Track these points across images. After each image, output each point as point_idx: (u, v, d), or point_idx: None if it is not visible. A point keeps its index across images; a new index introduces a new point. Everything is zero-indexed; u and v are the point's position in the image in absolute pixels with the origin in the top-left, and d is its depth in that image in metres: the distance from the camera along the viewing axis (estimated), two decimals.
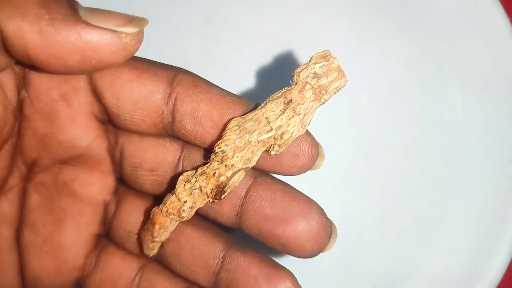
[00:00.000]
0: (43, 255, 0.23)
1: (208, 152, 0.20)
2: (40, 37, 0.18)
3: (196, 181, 0.20)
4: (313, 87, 0.18)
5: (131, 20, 0.19)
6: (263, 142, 0.19)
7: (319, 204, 0.21)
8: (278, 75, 0.33)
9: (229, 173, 0.19)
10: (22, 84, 0.21)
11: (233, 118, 0.19)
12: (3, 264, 0.23)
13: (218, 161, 0.19)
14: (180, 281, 0.22)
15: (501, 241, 0.31)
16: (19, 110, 0.22)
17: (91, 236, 0.23)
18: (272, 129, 0.19)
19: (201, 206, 0.20)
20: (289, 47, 0.34)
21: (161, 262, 0.23)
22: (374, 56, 0.34)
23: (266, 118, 0.19)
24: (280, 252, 0.21)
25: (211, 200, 0.20)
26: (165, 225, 0.20)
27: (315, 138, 0.20)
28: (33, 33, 0.18)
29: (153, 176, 0.22)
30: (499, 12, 0.32)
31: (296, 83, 0.19)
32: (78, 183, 0.23)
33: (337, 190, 0.33)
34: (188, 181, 0.20)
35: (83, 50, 0.18)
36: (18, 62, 0.20)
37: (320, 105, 0.19)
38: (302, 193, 0.21)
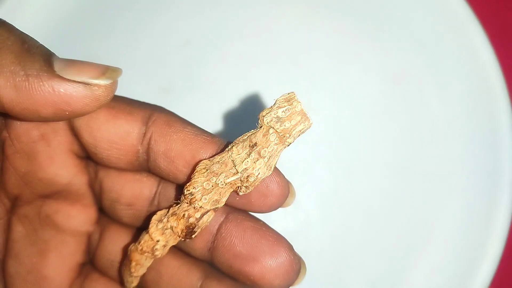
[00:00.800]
0: (27, 285, 0.23)
1: (181, 188, 0.21)
2: (15, 92, 0.18)
3: (167, 221, 0.20)
4: (276, 131, 0.19)
5: (105, 71, 0.19)
6: (230, 184, 0.20)
7: (288, 240, 0.21)
8: (260, 94, 0.34)
9: (198, 215, 0.20)
10: (3, 125, 0.22)
11: (202, 160, 0.20)
12: None
13: (187, 203, 0.20)
14: None
15: (485, 255, 0.32)
16: (1, 149, 0.22)
17: (75, 265, 0.24)
18: (237, 172, 0.19)
19: (174, 244, 0.21)
20: (270, 66, 0.34)
21: None
22: (354, 73, 0.34)
23: (232, 161, 0.19)
24: None
25: (183, 240, 0.21)
26: (141, 261, 0.21)
27: (285, 177, 0.21)
28: (7, 88, 0.18)
29: (130, 210, 0.23)
30: (476, 26, 0.33)
31: (261, 127, 0.19)
32: (61, 216, 0.24)
33: (319, 208, 0.34)
34: (160, 220, 0.20)
35: (57, 103, 0.19)
36: None
37: (285, 147, 0.19)
38: (272, 230, 0.21)
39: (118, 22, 0.35)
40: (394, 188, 0.34)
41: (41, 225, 0.24)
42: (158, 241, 0.21)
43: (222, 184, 0.19)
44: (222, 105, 0.34)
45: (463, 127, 0.34)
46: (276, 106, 0.19)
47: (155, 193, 0.23)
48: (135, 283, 0.22)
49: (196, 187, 0.20)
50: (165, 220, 0.20)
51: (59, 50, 0.32)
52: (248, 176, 0.19)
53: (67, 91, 0.19)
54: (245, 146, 0.19)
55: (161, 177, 0.22)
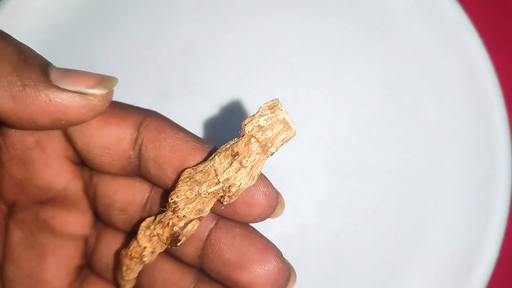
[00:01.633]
0: None
1: (168, 195, 0.21)
2: (12, 102, 0.19)
3: (154, 228, 0.20)
4: (258, 140, 0.18)
5: (101, 81, 0.20)
6: (213, 193, 0.19)
7: (278, 248, 0.21)
8: (257, 100, 0.34)
9: (181, 224, 0.20)
10: None
11: (186, 169, 0.20)
12: None
13: (171, 212, 0.20)
14: None
15: (481, 259, 0.32)
16: None
17: (73, 268, 0.25)
18: (219, 182, 0.19)
19: (161, 251, 0.21)
20: (268, 72, 0.35)
21: None
22: (351, 78, 0.35)
23: (215, 170, 0.19)
24: None
25: (169, 247, 0.21)
26: (131, 266, 0.21)
27: (273, 187, 0.20)
28: (5, 98, 0.19)
29: (123, 216, 0.23)
30: (471, 33, 0.33)
31: (243, 135, 0.19)
32: (57, 221, 0.24)
33: (316, 212, 0.34)
34: (148, 227, 0.21)
35: (53, 112, 0.19)
36: None
37: (267, 157, 0.19)
38: (262, 236, 0.21)
39: (117, 28, 0.35)
40: (391, 192, 0.34)
41: (38, 230, 0.24)
42: (145, 247, 0.21)
43: (205, 194, 0.19)
44: (220, 111, 0.34)
45: (458, 132, 0.34)
46: (258, 114, 0.18)
47: (148, 199, 0.23)
48: (128, 286, 0.23)
49: (179, 196, 0.20)
50: (152, 227, 0.21)
51: (58, 56, 0.33)
52: (229, 186, 0.19)
53: (63, 101, 0.19)
54: (227, 156, 0.19)
55: (152, 183, 0.22)
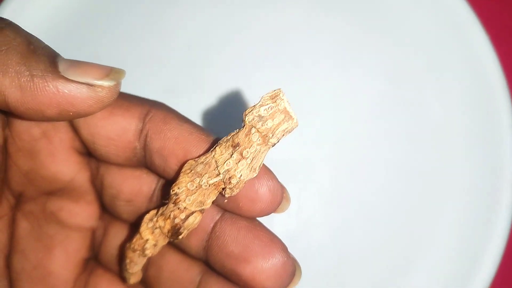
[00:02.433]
0: (33, 281, 0.24)
1: (170, 187, 0.21)
2: (20, 92, 0.19)
3: (157, 220, 0.20)
4: (258, 130, 0.18)
5: (109, 73, 0.19)
6: (214, 185, 0.19)
7: (283, 242, 0.21)
8: (261, 95, 0.34)
9: (182, 216, 0.19)
10: (6, 123, 0.23)
11: (188, 160, 0.20)
12: None
13: (172, 203, 0.20)
14: None
15: (486, 254, 0.32)
16: (4, 147, 0.23)
17: (80, 260, 0.25)
18: (220, 174, 0.19)
19: (164, 244, 0.21)
20: (272, 68, 0.35)
21: (146, 284, 0.24)
22: (355, 73, 0.34)
23: (215, 161, 0.19)
24: None
25: (171, 240, 0.21)
26: (134, 259, 0.21)
27: (278, 182, 0.20)
28: (13, 88, 0.19)
29: (130, 207, 0.23)
30: (477, 27, 0.33)
31: (244, 126, 0.18)
32: (65, 213, 0.24)
33: (322, 208, 0.34)
34: (151, 219, 0.20)
35: (61, 103, 0.19)
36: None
37: (268, 148, 0.18)
38: (267, 230, 0.21)
39: (123, 23, 0.35)
40: (396, 188, 0.34)
41: (46, 221, 0.24)
42: (147, 240, 0.20)
43: (206, 185, 0.19)
44: (224, 106, 0.34)
45: (464, 127, 0.34)
46: (259, 104, 0.18)
47: (154, 190, 0.23)
48: (133, 279, 0.23)
49: (180, 188, 0.19)
50: (154, 219, 0.20)
51: (64, 50, 0.32)
52: (230, 177, 0.19)
53: (71, 92, 0.19)
54: (228, 147, 0.19)
55: (157, 174, 0.22)
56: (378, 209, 0.33)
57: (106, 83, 0.19)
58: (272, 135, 0.18)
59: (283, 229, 0.33)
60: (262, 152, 0.18)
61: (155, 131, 0.21)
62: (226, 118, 0.35)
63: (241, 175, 0.18)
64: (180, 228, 0.20)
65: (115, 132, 0.22)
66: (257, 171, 0.19)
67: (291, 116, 0.18)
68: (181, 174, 0.19)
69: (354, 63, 0.35)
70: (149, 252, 0.21)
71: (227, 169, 0.18)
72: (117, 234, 0.24)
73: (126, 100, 0.22)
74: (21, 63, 0.19)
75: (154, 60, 0.35)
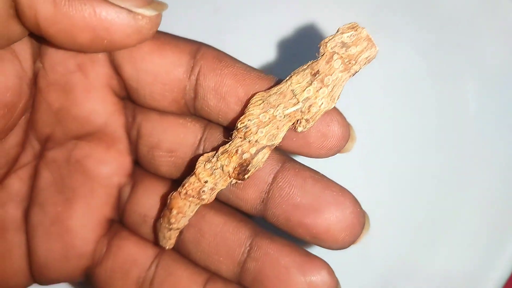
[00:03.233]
0: (50, 237, 0.22)
1: (230, 131, 0.19)
2: (53, 8, 0.17)
3: (217, 160, 0.18)
4: (341, 56, 0.17)
5: (151, 2, 0.18)
6: (289, 116, 0.18)
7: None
8: (289, 64, 0.32)
9: (253, 150, 0.18)
10: (38, 54, 0.20)
11: (257, 92, 0.18)
12: (10, 245, 0.22)
13: (241, 138, 0.18)
14: (202, 271, 0.21)
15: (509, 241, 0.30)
16: (34, 82, 0.21)
17: (103, 219, 0.22)
18: (298, 102, 0.18)
19: (223, 187, 0.19)
20: (300, 37, 0.33)
21: (179, 251, 0.21)
22: (386, 46, 0.32)
23: (292, 90, 0.18)
24: (307, 243, 0.19)
25: (234, 181, 0.19)
26: (184, 209, 0.19)
27: (347, 120, 0.19)
28: (46, 3, 0.17)
29: (171, 158, 0.21)
30: None
31: (323, 54, 0.17)
32: (92, 160, 0.22)
33: (347, 181, 0.32)
34: (209, 161, 0.19)
35: (96, 28, 0.17)
36: (31, 34, 0.19)
37: (350, 76, 0.18)
38: (334, 181, 0.19)
39: None
40: (423, 163, 0.32)
41: (69, 172, 0.22)
42: (206, 182, 0.19)
43: (281, 116, 0.18)
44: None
45: (496, 107, 0.31)
46: (339, 32, 0.17)
47: (200, 140, 0.21)
48: (172, 239, 0.20)
49: (251, 119, 0.18)
50: (214, 159, 0.19)
51: None
52: (310, 106, 0.18)
53: (108, 16, 0.17)
54: (306, 75, 0.18)
55: (209, 119, 0.20)
56: (402, 185, 0.32)
57: (147, 12, 0.18)
58: (355, 62, 0.17)
59: None
60: (344, 80, 0.18)
61: (210, 68, 0.19)
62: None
63: (322, 103, 0.18)
64: (248, 165, 0.18)
65: (164, 67, 0.19)
66: (335, 101, 0.18)
67: (373, 43, 0.18)
68: (250, 106, 0.18)
69: (384, 35, 0.31)
70: (206, 197, 0.19)
71: (307, 97, 0.18)
72: (150, 190, 0.22)
73: (173, 38, 0.20)
74: None
75: (177, 25, 0.33)
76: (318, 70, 0.17)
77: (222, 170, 0.18)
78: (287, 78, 0.18)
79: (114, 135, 0.22)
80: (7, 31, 0.18)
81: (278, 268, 0.19)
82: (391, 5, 0.33)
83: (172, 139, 0.21)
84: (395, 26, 0.32)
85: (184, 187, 0.19)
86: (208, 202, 0.19)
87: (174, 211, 0.19)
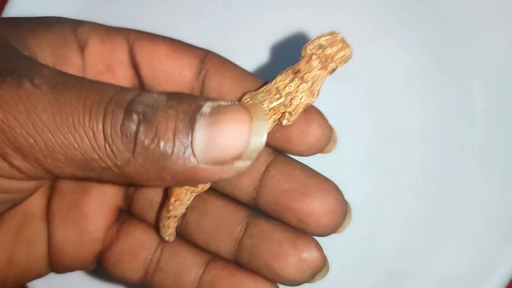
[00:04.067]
0: (67, 223, 0.24)
1: None
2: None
3: None
4: (319, 56, 0.20)
5: (248, 146, 0.17)
6: (274, 110, 0.20)
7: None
8: (297, 59, 0.33)
9: None
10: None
11: (246, 92, 0.21)
12: (35, 233, 0.23)
13: None
14: (203, 252, 0.23)
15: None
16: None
17: (114, 207, 0.24)
18: (281, 96, 0.20)
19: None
20: (307, 33, 0.33)
21: (182, 233, 0.23)
22: (391, 42, 0.33)
23: (276, 88, 0.20)
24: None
25: None
26: (181, 196, 0.21)
27: (328, 121, 0.21)
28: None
29: None
30: None
31: (303, 56, 0.20)
32: None
33: (351, 175, 0.32)
34: None
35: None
36: None
37: (328, 73, 0.20)
38: (320, 173, 0.21)
39: None
40: (428, 160, 0.32)
41: None
42: None
43: (266, 110, 0.20)
44: (259, 68, 0.33)
45: (503, 103, 0.31)
46: (317, 37, 0.20)
47: None
48: (171, 228, 0.22)
49: None
50: None
51: (97, 12, 0.31)
52: (291, 99, 0.20)
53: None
54: (288, 74, 0.20)
55: None
56: (406, 181, 0.32)
57: (245, 160, 0.17)
58: (332, 61, 0.20)
59: None
60: (322, 77, 0.20)
61: (215, 71, 0.22)
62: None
63: (302, 97, 0.20)
64: None
65: (177, 69, 0.22)
66: (315, 96, 0.20)
67: (347, 45, 0.20)
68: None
69: (390, 31, 0.32)
70: (201, 186, 0.21)
71: (289, 92, 0.20)
72: None
73: (185, 44, 0.23)
74: None
75: (186, 21, 0.34)
76: (299, 70, 0.20)
77: None
78: (273, 78, 0.21)
79: None
80: None
81: (272, 243, 0.21)
82: (396, 4, 0.33)
83: None
84: (400, 24, 0.32)
85: None
86: (202, 191, 0.21)
87: (172, 199, 0.21)
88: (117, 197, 0.24)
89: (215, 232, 0.22)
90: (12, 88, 0.16)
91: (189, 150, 0.16)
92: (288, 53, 0.33)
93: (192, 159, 0.16)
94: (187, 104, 0.17)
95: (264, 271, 0.22)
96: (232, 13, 0.33)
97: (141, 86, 0.23)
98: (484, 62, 0.32)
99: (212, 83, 0.22)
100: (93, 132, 0.16)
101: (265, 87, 0.20)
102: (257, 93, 0.20)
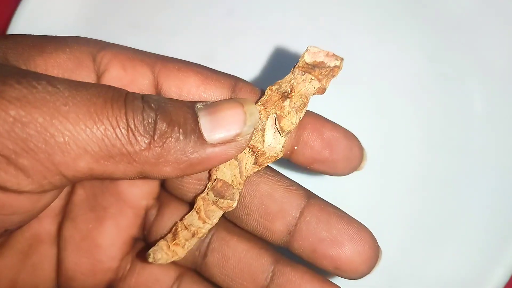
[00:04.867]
0: (79, 252, 0.23)
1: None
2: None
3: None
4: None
5: (245, 120, 0.20)
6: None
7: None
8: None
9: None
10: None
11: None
12: (43, 257, 0.23)
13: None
14: None
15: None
16: None
17: (129, 238, 0.24)
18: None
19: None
20: (310, 39, 0.31)
21: (202, 273, 0.23)
22: (393, 48, 0.33)
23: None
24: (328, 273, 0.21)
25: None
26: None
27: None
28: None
29: (199, 186, 0.22)
30: None
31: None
32: (125, 182, 0.23)
33: (353, 178, 0.31)
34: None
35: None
36: None
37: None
38: (354, 218, 0.22)
39: None
40: (429, 165, 0.32)
41: (102, 191, 0.23)
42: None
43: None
44: (263, 74, 0.33)
45: (502, 108, 0.32)
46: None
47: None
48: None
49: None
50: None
51: (101, 18, 0.32)
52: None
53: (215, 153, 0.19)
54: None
55: None
56: (408, 186, 0.32)
57: (245, 136, 0.19)
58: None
59: None
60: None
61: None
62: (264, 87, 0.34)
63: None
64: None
65: (209, 100, 0.21)
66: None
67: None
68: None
69: (391, 38, 0.33)
70: (201, 234, 0.22)
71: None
72: (174, 216, 0.23)
73: (213, 72, 0.22)
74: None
75: (191, 27, 0.33)
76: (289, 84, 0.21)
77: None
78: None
79: None
80: None
81: None
82: (397, 10, 0.33)
83: None
84: (401, 29, 0.33)
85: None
86: (203, 236, 0.22)
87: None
88: (132, 228, 0.24)
89: (238, 278, 0.22)
90: (28, 86, 0.16)
91: (198, 134, 0.18)
92: (290, 59, 0.33)
93: (202, 140, 0.18)
94: (184, 103, 0.19)
95: None
96: (236, 19, 0.34)
97: None
98: (484, 67, 0.32)
99: None
100: (116, 121, 0.17)
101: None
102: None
